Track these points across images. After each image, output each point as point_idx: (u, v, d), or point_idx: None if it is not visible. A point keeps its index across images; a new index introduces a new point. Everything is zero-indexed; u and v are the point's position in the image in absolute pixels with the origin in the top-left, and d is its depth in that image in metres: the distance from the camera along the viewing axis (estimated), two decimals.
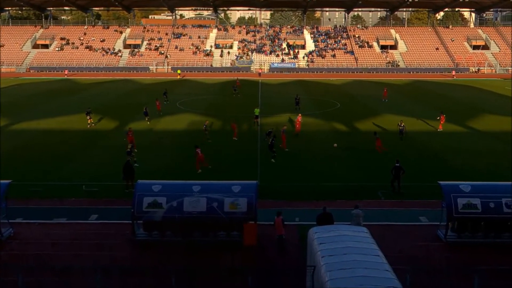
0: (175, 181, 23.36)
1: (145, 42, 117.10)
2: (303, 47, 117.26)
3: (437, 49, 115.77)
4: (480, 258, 20.04)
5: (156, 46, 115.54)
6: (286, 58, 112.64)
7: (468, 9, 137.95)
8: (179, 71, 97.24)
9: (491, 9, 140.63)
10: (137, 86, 79.85)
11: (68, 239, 21.73)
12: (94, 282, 16.46)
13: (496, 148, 38.50)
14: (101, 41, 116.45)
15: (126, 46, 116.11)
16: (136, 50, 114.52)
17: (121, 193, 27.44)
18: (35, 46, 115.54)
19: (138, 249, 21.04)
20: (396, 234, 22.24)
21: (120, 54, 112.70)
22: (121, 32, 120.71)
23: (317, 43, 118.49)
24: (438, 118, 45.96)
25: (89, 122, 46.87)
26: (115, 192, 27.92)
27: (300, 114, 45.78)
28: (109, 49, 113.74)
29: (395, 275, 13.71)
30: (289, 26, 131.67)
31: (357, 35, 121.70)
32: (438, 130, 45.16)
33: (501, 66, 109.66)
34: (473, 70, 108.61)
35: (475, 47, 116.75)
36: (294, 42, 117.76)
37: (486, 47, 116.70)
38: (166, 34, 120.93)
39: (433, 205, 24.78)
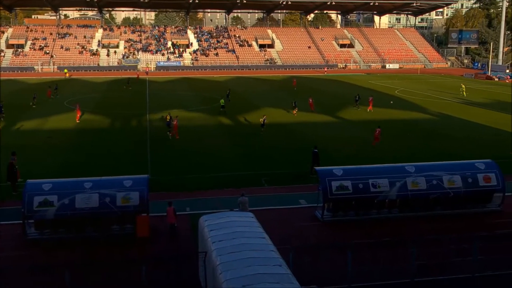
0: (66, 179, 22.35)
1: (29, 42, 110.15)
2: (188, 46, 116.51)
3: (309, 47, 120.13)
4: (352, 233, 21.18)
5: (40, 46, 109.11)
6: (171, 56, 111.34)
7: (334, 12, 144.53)
8: (66, 70, 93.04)
9: (355, 12, 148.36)
10: (23, 86, 74.95)
11: None
12: None
13: (361, 135, 40.73)
14: None
15: (8, 46, 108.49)
16: (19, 50, 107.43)
17: (10, 194, 25.66)
18: None
19: (30, 248, 19.86)
20: (279, 217, 22.87)
21: (2, 54, 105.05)
22: (3, 32, 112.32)
23: (201, 43, 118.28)
24: (371, 99, 52.71)
25: None
26: (3, 193, 26.07)
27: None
28: None
29: (280, 254, 14.11)
30: (173, 27, 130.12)
31: (237, 35, 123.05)
32: (368, 110, 50.93)
33: (364, 63, 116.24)
34: (341, 66, 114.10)
35: (342, 46, 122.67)
36: (177, 41, 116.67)
37: (351, 45, 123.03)
38: (51, 34, 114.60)
39: (310, 188, 25.74)
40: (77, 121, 45.49)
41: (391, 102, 55.32)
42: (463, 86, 67.80)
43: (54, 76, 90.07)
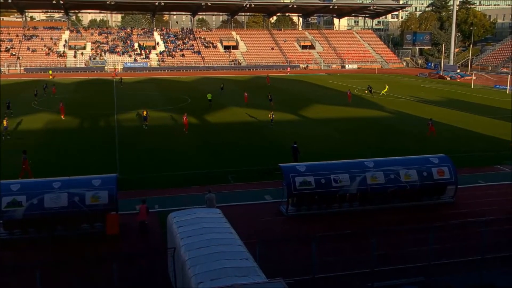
0: (34, 179, 21.91)
1: None
2: (154, 47, 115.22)
3: (272, 48, 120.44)
4: (316, 226, 21.38)
5: (6, 47, 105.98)
6: (138, 58, 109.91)
7: (296, 14, 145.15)
8: (50, 72, 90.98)
9: (315, 14, 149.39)
10: None
11: None
12: None
13: (324, 133, 41.15)
14: None
15: None
16: None
17: None
18: None
19: (0, 248, 19.32)
20: (245, 212, 22.92)
21: None
22: None
23: (167, 44, 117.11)
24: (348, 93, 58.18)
25: None
26: None
27: None
28: None
29: (246, 248, 14.14)
30: (139, 29, 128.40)
31: (202, 37, 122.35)
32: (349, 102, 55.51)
33: (325, 63, 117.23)
34: (303, 66, 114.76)
35: (304, 47, 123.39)
36: (144, 43, 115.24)
37: (312, 47, 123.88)
38: (17, 35, 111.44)
39: (275, 184, 25.86)
40: (63, 118, 46.34)
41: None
42: (387, 86, 67.49)
43: (21, 78, 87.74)
